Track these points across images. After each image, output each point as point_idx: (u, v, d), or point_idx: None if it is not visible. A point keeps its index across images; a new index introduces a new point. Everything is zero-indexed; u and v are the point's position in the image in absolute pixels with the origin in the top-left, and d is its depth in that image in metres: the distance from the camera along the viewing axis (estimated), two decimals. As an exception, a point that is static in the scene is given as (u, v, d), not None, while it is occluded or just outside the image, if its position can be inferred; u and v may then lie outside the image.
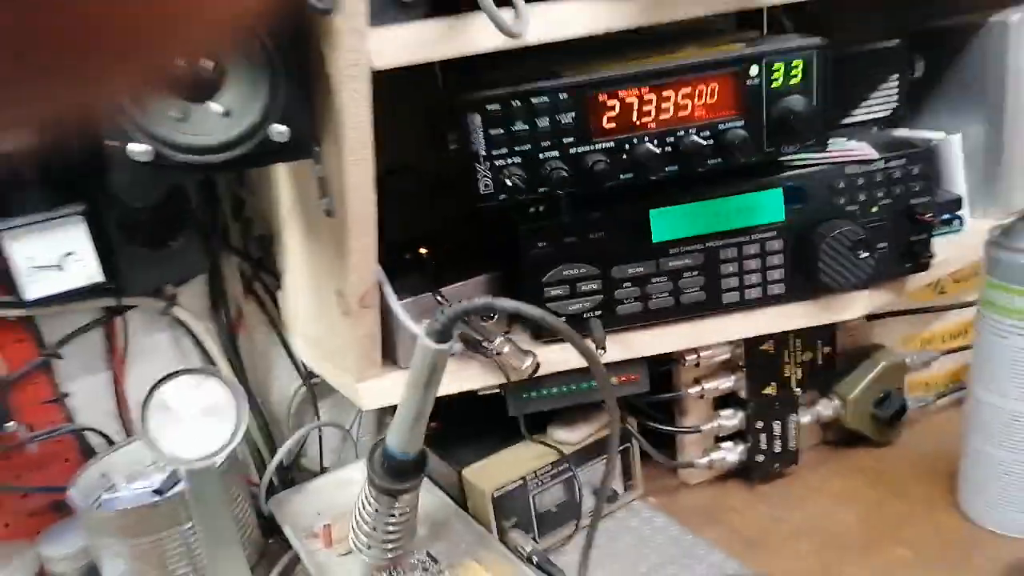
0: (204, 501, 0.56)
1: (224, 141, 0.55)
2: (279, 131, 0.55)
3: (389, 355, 0.72)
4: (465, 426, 0.80)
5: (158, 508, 0.70)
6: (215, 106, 0.54)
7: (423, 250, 0.78)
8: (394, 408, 0.62)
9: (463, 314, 0.54)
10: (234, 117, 0.54)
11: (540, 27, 0.58)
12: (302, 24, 0.55)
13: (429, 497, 0.77)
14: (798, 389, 0.80)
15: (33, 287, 0.70)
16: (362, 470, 0.74)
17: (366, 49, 0.54)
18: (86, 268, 0.71)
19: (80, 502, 0.71)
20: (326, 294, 0.71)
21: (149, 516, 0.69)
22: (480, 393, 0.74)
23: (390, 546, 0.68)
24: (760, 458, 0.81)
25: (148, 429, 0.51)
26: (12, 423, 0.74)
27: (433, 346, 0.54)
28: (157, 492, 0.74)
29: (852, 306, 0.74)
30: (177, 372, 0.52)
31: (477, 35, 0.58)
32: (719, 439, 0.82)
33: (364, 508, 0.67)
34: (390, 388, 0.71)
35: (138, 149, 0.53)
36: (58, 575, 0.74)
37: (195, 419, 0.52)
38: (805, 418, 0.82)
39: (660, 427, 0.80)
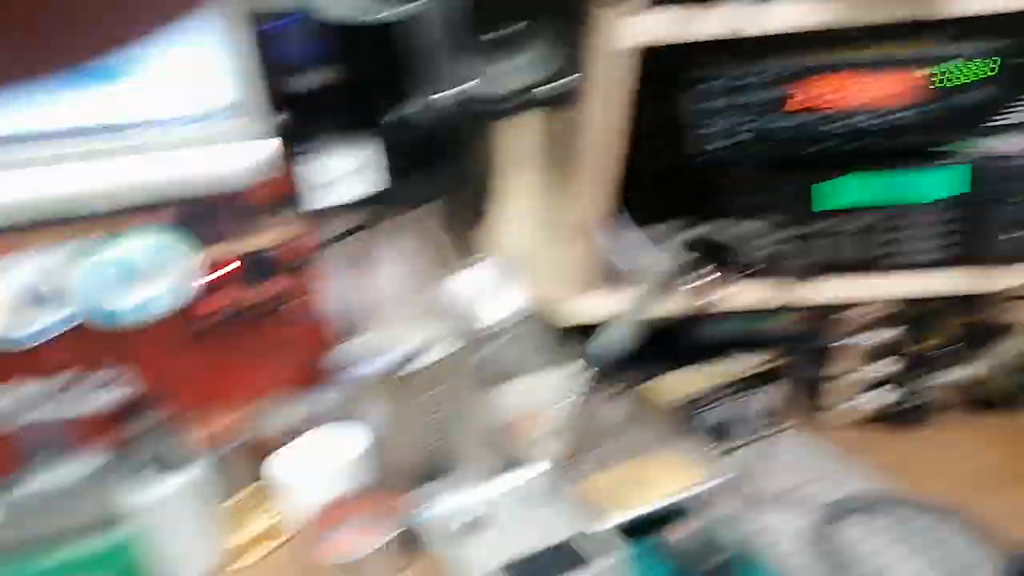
0: (473, 367, 0.74)
1: (517, 89, 0.72)
2: (558, 84, 0.72)
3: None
4: (652, 347, 0.96)
5: (411, 375, 0.89)
6: (514, 62, 0.71)
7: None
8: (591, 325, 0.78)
9: (701, 238, 0.69)
10: (527, 72, 0.72)
11: (762, 21, 0.73)
12: (583, 4, 0.72)
13: (616, 404, 0.93)
14: (946, 349, 0.91)
15: (325, 194, 0.90)
16: (542, 379, 0.91)
17: (631, 29, 0.70)
18: (367, 183, 0.91)
19: (343, 366, 0.91)
20: (551, 222, 0.88)
21: (402, 381, 0.88)
22: (670, 319, 0.89)
23: (582, 436, 0.85)
24: (905, 406, 0.92)
25: (451, 302, 0.69)
26: (287, 303, 0.95)
27: (675, 259, 0.69)
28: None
29: (1004, 278, 0.84)
30: (472, 260, 0.70)
31: (707, 23, 0.73)
32: (869, 386, 0.94)
33: (563, 401, 0.83)
34: (594, 304, 0.87)
35: (453, 92, 0.71)
36: (317, 420, 0.94)
37: (487, 295, 0.69)
38: (950, 376, 0.92)
39: (817, 369, 0.93)
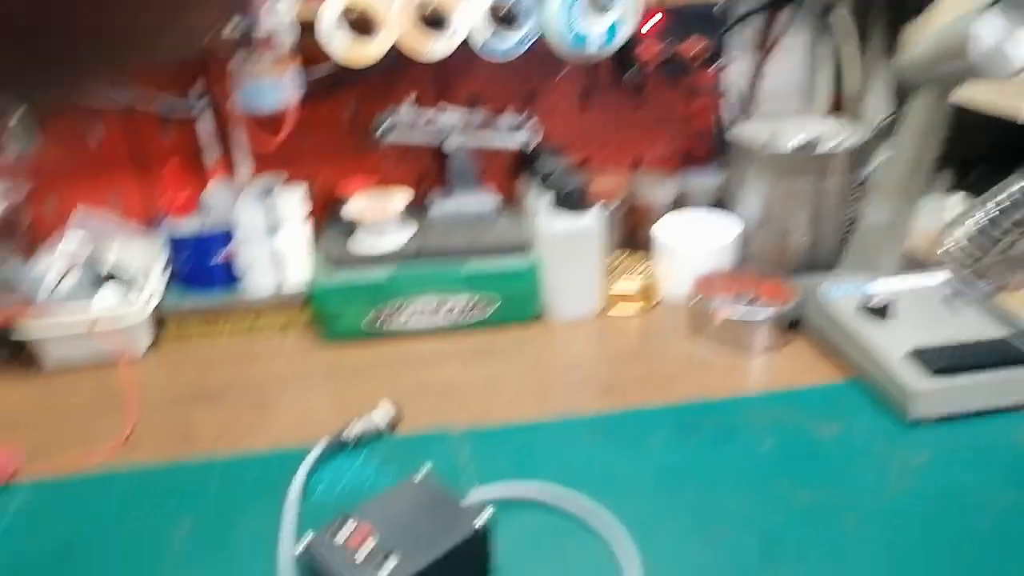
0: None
1: None
2: None
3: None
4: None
5: (806, 162, 0.85)
6: None
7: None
8: None
9: None
10: None
11: None
12: None
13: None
14: None
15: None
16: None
17: None
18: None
19: (732, 145, 0.89)
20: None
21: (796, 166, 0.85)
22: None
23: (998, 255, 0.77)
24: None
25: (975, 43, 0.62)
26: (697, 70, 0.92)
27: None
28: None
29: None
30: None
31: None
32: None
33: (980, 216, 0.76)
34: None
35: None
36: (694, 195, 0.94)
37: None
38: None
39: None
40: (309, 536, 0.48)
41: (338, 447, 0.66)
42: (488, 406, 0.72)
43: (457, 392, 0.75)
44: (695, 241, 0.88)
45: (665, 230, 0.91)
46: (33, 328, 0.76)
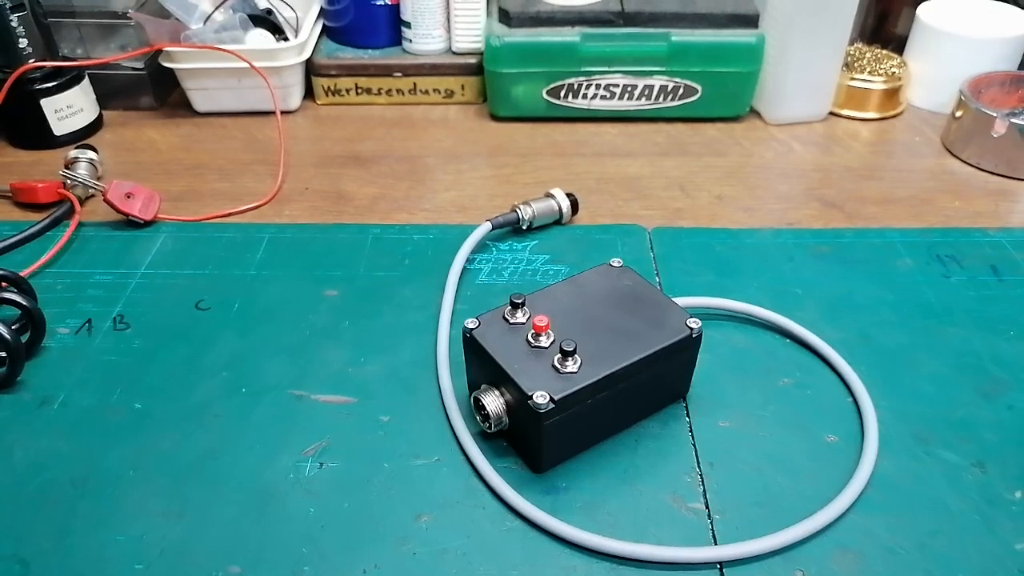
0: None
1: None
2: None
3: None
4: None
5: None
6: None
7: None
8: None
9: None
10: None
11: None
12: None
13: None
14: None
15: None
16: None
17: None
18: None
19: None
20: None
21: None
22: None
23: None
24: None
25: None
26: None
27: None
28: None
29: None
30: None
31: None
32: None
33: None
34: None
35: None
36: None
37: None
38: None
39: None
40: (481, 315, 0.39)
41: (506, 229, 0.56)
42: (680, 208, 0.60)
43: (643, 188, 0.62)
44: (969, 32, 0.68)
45: (932, 14, 0.71)
46: (184, 58, 0.68)
